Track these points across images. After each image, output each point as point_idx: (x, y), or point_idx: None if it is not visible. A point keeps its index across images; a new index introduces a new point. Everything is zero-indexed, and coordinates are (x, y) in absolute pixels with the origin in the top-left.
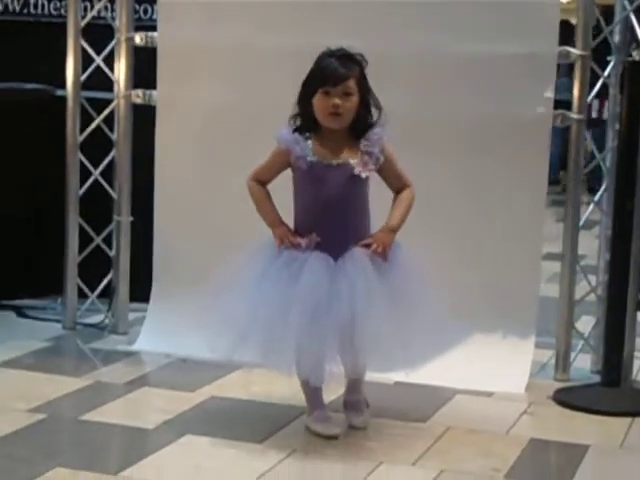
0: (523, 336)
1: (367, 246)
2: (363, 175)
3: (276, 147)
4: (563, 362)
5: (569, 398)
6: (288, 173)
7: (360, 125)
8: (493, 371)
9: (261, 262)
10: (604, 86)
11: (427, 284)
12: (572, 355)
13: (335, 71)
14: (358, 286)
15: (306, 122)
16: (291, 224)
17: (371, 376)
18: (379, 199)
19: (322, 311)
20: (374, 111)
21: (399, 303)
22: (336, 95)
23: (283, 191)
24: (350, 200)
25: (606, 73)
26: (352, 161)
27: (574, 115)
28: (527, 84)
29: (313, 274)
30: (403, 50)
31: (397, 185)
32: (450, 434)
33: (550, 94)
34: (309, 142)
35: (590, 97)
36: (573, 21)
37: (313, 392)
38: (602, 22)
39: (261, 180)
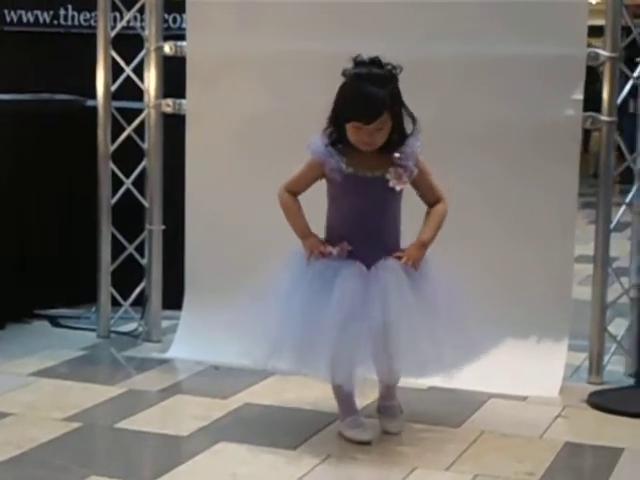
0: (556, 339)
1: (398, 258)
2: (398, 188)
3: (310, 158)
4: (597, 365)
5: (603, 401)
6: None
7: (394, 140)
8: (527, 375)
9: (294, 269)
10: (634, 88)
11: (457, 291)
12: (605, 358)
13: (368, 109)
14: (391, 293)
15: (339, 137)
16: (321, 234)
17: (405, 381)
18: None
19: (356, 317)
20: (407, 120)
21: (431, 310)
22: (367, 132)
23: (312, 200)
24: (383, 212)
25: (636, 74)
26: (386, 174)
27: (604, 117)
28: (556, 86)
29: (347, 281)
30: (432, 54)
31: (430, 198)
32: (484, 438)
33: (579, 96)
34: (343, 155)
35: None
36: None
37: (346, 398)
38: (630, 23)
39: (293, 191)
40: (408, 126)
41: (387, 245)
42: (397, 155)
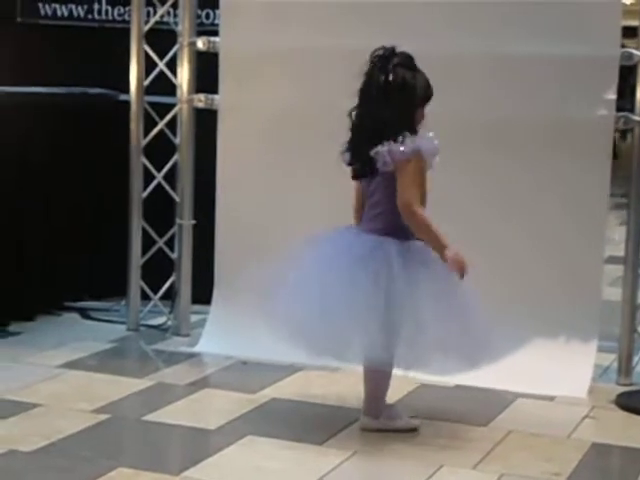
0: (585, 340)
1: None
2: None
3: (415, 162)
4: (626, 366)
5: (632, 402)
6: None
7: None
8: (555, 375)
9: (320, 256)
10: None
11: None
12: (635, 359)
13: (431, 87)
14: (436, 288)
15: (410, 129)
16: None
17: (431, 379)
18: None
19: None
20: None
21: (459, 309)
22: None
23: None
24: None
25: None
26: None
27: (636, 117)
28: (589, 86)
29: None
30: (464, 51)
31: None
32: (511, 438)
33: (612, 96)
34: None
35: None
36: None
37: (385, 390)
38: None
39: (423, 202)
40: None
41: None
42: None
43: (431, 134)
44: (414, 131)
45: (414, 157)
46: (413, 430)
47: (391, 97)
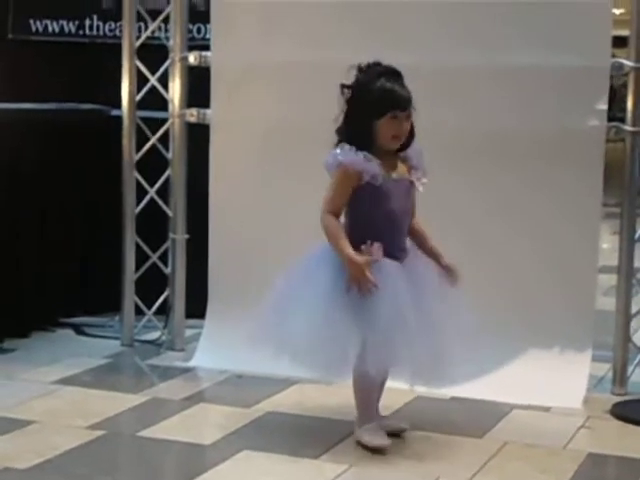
0: (580, 350)
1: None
2: (420, 188)
3: (342, 172)
4: (620, 376)
5: (627, 412)
6: None
7: (408, 141)
8: (550, 385)
9: (320, 271)
10: None
11: (466, 303)
12: (630, 369)
13: (402, 95)
14: (426, 298)
15: (363, 142)
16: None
17: (427, 391)
18: None
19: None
20: None
21: (450, 321)
22: (404, 119)
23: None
24: (406, 212)
25: None
26: (407, 175)
27: (628, 127)
28: (580, 96)
29: (394, 279)
30: (453, 64)
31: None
32: (507, 449)
33: (603, 106)
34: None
35: None
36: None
37: (371, 403)
38: None
39: (335, 212)
40: None
41: (406, 244)
42: (411, 156)
43: (417, 146)
44: (366, 142)
45: (337, 168)
46: (377, 450)
47: (346, 107)
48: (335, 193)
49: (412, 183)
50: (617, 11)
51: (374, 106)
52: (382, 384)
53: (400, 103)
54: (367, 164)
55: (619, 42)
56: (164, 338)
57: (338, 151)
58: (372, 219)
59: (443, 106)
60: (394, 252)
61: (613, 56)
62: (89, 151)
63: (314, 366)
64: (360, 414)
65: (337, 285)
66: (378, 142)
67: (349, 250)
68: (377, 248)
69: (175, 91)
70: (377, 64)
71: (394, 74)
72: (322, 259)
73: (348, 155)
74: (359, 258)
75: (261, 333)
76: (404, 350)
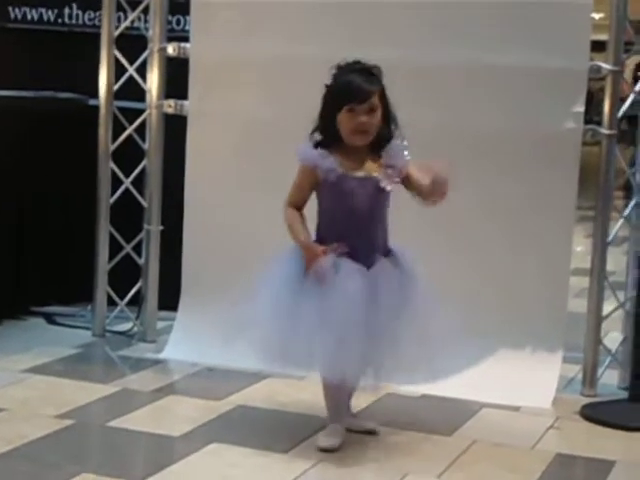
0: (551, 351)
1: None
2: (388, 188)
3: (301, 166)
4: (590, 377)
5: (596, 413)
6: None
7: (382, 139)
8: (520, 385)
9: (288, 268)
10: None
11: (443, 299)
12: (599, 371)
13: (360, 87)
14: (390, 297)
15: (328, 137)
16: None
17: (397, 389)
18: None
19: (357, 317)
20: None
21: (421, 317)
22: (362, 112)
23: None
24: (375, 212)
25: (637, 88)
26: (375, 174)
27: (604, 130)
28: (557, 98)
29: (348, 280)
30: (434, 63)
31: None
32: (475, 448)
33: (580, 109)
34: (333, 155)
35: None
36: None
37: (338, 403)
38: (633, 37)
39: (294, 204)
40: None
41: (376, 245)
42: (385, 156)
43: (404, 142)
44: (331, 135)
45: (301, 162)
46: (326, 450)
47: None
48: (294, 186)
49: (378, 182)
50: (596, 15)
51: (334, 100)
52: (354, 384)
53: (355, 95)
54: (321, 160)
55: (598, 47)
56: (136, 329)
57: (302, 145)
58: (333, 216)
59: (423, 105)
60: (358, 256)
61: (591, 60)
62: (66, 140)
63: (283, 362)
64: (327, 413)
65: (302, 280)
66: (345, 139)
67: (303, 237)
68: (338, 246)
69: (153, 82)
70: (356, 62)
71: (367, 71)
72: (293, 254)
73: (304, 151)
74: (313, 244)
75: (232, 328)
76: (356, 353)
